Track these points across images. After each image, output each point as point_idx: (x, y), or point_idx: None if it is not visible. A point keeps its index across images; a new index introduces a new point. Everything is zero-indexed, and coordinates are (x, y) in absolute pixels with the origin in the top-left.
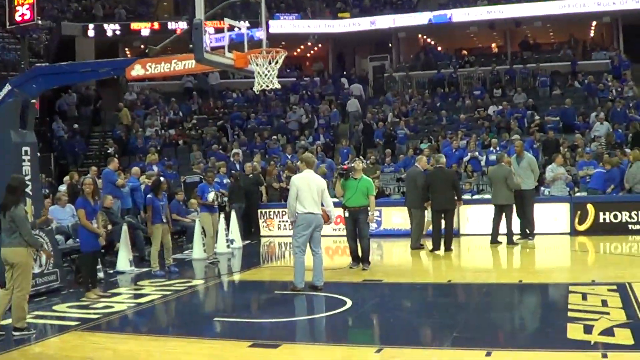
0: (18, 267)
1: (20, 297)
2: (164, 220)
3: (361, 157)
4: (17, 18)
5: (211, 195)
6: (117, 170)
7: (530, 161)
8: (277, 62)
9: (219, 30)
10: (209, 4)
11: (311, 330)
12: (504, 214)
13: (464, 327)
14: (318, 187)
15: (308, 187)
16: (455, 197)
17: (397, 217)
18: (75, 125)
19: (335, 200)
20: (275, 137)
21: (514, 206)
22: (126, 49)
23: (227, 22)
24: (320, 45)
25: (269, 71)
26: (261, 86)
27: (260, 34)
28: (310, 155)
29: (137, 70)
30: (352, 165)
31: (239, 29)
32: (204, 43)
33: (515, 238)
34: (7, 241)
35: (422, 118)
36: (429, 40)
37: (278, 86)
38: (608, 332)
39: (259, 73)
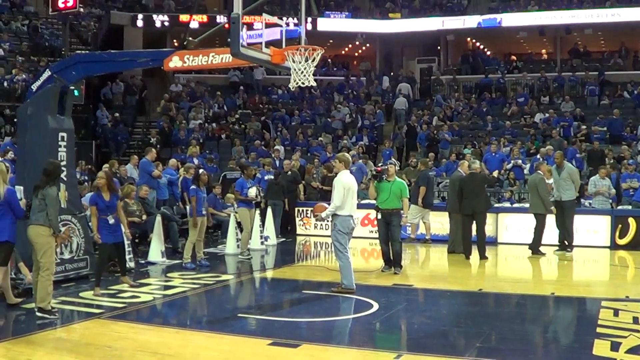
0: (40, 248)
1: (44, 277)
2: (204, 213)
3: (394, 159)
4: (60, 4)
5: (253, 191)
6: (154, 160)
7: (570, 171)
8: (314, 60)
9: (268, 26)
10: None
11: (333, 331)
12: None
13: (489, 338)
14: (356, 189)
15: (352, 190)
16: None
17: (435, 222)
18: (117, 114)
19: (368, 201)
20: (320, 136)
21: (554, 217)
22: (174, 40)
23: (266, 17)
24: (368, 44)
25: (305, 68)
26: (297, 83)
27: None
28: (347, 155)
29: (175, 62)
30: (386, 167)
31: (286, 24)
32: (240, 37)
33: (553, 250)
34: (34, 218)
35: (467, 123)
36: (477, 44)
37: (313, 84)
38: (635, 350)
39: (295, 70)
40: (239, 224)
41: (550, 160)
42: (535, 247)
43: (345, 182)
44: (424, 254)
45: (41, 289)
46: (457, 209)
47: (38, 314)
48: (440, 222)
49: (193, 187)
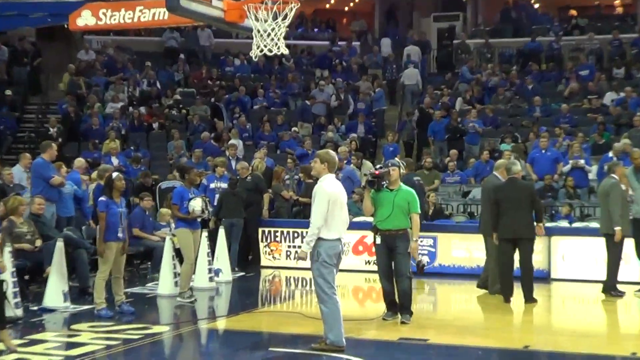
0: None
1: None
2: (121, 236)
3: (398, 159)
4: None
5: (198, 204)
6: (54, 161)
7: None
8: (285, 17)
9: None
10: None
11: None
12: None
13: None
14: (345, 199)
15: (341, 202)
16: (535, 221)
17: (459, 249)
18: (8, 92)
19: (362, 219)
20: (295, 126)
21: (633, 241)
22: None
23: None
24: None
25: (272, 29)
26: (261, 50)
27: None
28: (332, 153)
29: (85, 19)
30: (387, 170)
31: None
32: None
33: (634, 290)
34: None
35: (506, 107)
36: None
37: (285, 51)
38: None
39: (259, 32)
40: (177, 252)
41: (626, 160)
42: (609, 284)
43: (330, 192)
44: (443, 294)
45: None
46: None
47: None
48: (466, 249)
49: (103, 198)
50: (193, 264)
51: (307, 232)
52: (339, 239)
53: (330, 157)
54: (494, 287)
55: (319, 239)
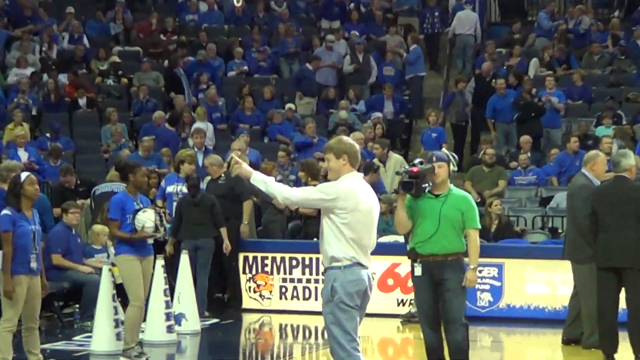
0: None
1: None
2: (35, 267)
3: (447, 151)
4: None
5: (147, 218)
6: None
7: None
8: None
9: None
10: None
11: None
12: None
13: None
14: (377, 214)
15: (369, 212)
16: None
17: (537, 282)
18: None
19: (393, 239)
20: (290, 102)
21: None
22: None
23: None
24: None
25: None
26: None
27: None
28: (350, 141)
29: None
30: (430, 166)
31: None
32: None
33: None
34: None
35: (603, 72)
36: None
37: None
38: None
39: None
40: (119, 289)
41: None
42: None
43: (350, 198)
44: (513, 349)
45: None
46: (584, 256)
47: None
48: (546, 282)
49: (7, 212)
50: (143, 307)
51: (310, 258)
52: (364, 267)
53: (347, 146)
54: (590, 339)
55: (335, 268)
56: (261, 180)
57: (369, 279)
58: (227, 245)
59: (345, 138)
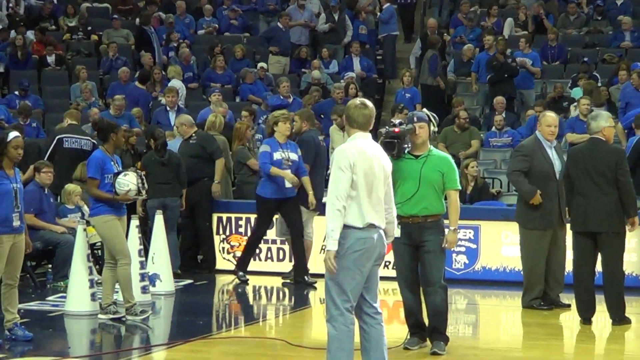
0: None
1: None
2: (17, 226)
3: (427, 111)
4: None
5: (130, 180)
6: None
7: None
8: None
9: None
10: None
11: None
12: None
13: None
14: (386, 174)
15: (372, 172)
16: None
17: (512, 244)
18: None
19: None
20: (262, 60)
21: None
22: None
23: None
24: None
25: None
26: None
27: None
28: (365, 103)
29: None
30: (410, 126)
31: None
32: None
33: None
34: None
35: (579, 32)
36: None
37: None
38: None
39: None
40: (94, 249)
41: None
42: None
43: (356, 155)
44: (491, 311)
45: None
46: (552, 219)
47: None
48: (519, 243)
49: None
50: (131, 263)
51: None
52: (373, 227)
53: (361, 113)
54: (528, 296)
55: (345, 226)
56: (331, 240)
57: (380, 239)
58: (182, 205)
59: (358, 102)
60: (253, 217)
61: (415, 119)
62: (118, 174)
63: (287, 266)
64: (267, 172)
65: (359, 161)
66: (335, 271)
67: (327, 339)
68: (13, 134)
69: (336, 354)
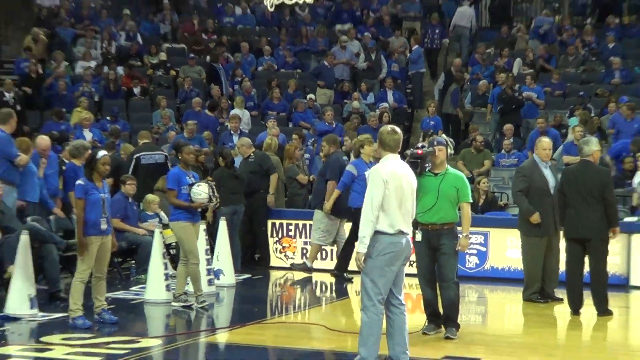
0: None
1: None
2: (104, 229)
3: (445, 137)
4: None
5: (204, 190)
6: (13, 134)
7: None
8: None
9: None
10: None
11: None
12: None
13: None
14: (413, 189)
15: (401, 188)
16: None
17: (516, 249)
18: None
19: None
20: (311, 93)
21: None
22: None
23: None
24: None
25: None
26: None
27: None
28: (395, 130)
29: None
30: (431, 149)
31: None
32: None
33: None
34: None
35: (576, 70)
36: None
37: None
38: None
39: None
40: (169, 248)
41: None
42: None
43: (386, 173)
44: (496, 303)
45: None
46: (526, 229)
47: None
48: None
49: (80, 182)
50: (199, 263)
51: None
52: (402, 233)
53: (392, 138)
54: (528, 291)
55: (376, 232)
56: (361, 244)
57: (408, 243)
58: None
59: (389, 128)
60: (302, 223)
61: (435, 142)
62: (192, 184)
63: (329, 264)
64: (341, 190)
65: (390, 179)
66: (363, 269)
67: (360, 325)
68: (101, 153)
69: (367, 338)
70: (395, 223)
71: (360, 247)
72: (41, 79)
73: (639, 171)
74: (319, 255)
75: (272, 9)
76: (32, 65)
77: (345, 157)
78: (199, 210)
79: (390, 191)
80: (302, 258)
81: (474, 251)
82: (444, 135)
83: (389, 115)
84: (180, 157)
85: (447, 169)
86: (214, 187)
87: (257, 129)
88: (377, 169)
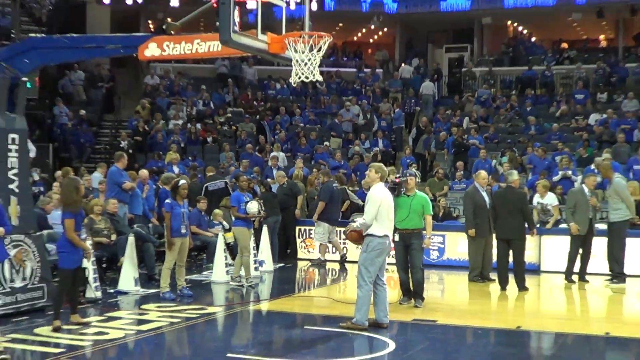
0: None
1: None
2: (184, 232)
3: (415, 170)
4: None
5: (253, 206)
6: (125, 169)
7: (617, 187)
8: (320, 49)
9: (265, 5)
10: None
11: None
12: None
13: None
14: (391, 206)
15: (388, 205)
16: (526, 225)
17: (463, 245)
18: (83, 112)
19: None
20: (326, 140)
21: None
22: (149, 21)
23: None
24: (385, 29)
25: (309, 59)
26: (299, 77)
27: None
28: (384, 166)
29: (151, 50)
30: (405, 178)
31: (286, 3)
32: (232, 22)
33: (604, 279)
34: None
35: (505, 125)
36: (520, 28)
37: (319, 78)
38: None
39: (297, 61)
40: (228, 246)
41: (617, 170)
42: (567, 273)
43: (380, 196)
44: (450, 283)
45: None
46: (485, 231)
47: None
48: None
49: (168, 201)
50: (251, 256)
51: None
52: (386, 236)
53: (382, 169)
54: (470, 275)
55: (370, 235)
56: (358, 224)
57: (390, 243)
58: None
59: (382, 165)
60: None
61: (407, 174)
62: (247, 202)
63: (336, 256)
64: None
65: (383, 199)
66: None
67: (357, 298)
68: (182, 181)
69: (361, 307)
70: (383, 229)
71: (355, 225)
72: (146, 132)
73: (536, 194)
74: (330, 251)
75: (295, 85)
76: (140, 123)
77: (335, 184)
78: (252, 219)
79: (382, 207)
80: (318, 253)
81: (436, 247)
82: (413, 169)
83: (379, 156)
84: (238, 184)
85: (415, 192)
86: (261, 204)
87: (289, 165)
88: (374, 193)
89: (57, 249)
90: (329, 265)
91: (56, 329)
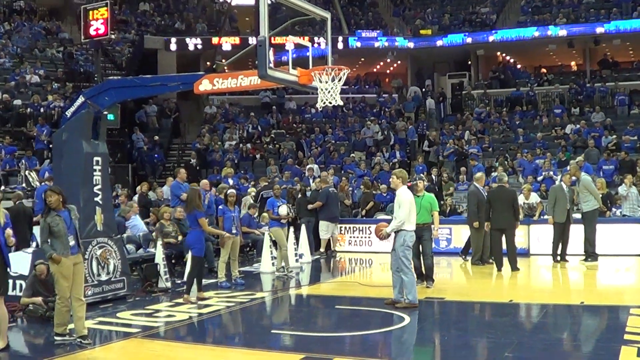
0: (53, 276)
1: (58, 303)
2: (234, 232)
3: (422, 175)
4: (92, 32)
5: (284, 209)
6: (184, 182)
7: (585, 183)
8: (340, 80)
9: (296, 46)
10: (283, 20)
11: (364, 345)
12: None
13: (517, 347)
14: (414, 206)
15: (414, 205)
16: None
17: (467, 235)
18: (156, 137)
19: None
20: (352, 154)
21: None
22: (207, 62)
23: (292, 39)
24: (399, 62)
25: (331, 88)
26: (324, 102)
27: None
28: (404, 171)
29: (204, 85)
30: (415, 182)
31: (317, 44)
32: (267, 60)
33: (580, 259)
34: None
35: (498, 137)
36: (507, 57)
37: (340, 103)
38: None
39: (322, 89)
40: (274, 242)
41: (589, 170)
42: (553, 254)
43: (409, 198)
44: (456, 267)
45: (56, 314)
46: (469, 223)
47: (56, 338)
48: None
49: (221, 207)
50: (286, 250)
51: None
52: (414, 230)
53: (403, 174)
54: (473, 259)
55: (404, 230)
56: (391, 229)
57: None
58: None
59: (402, 170)
60: (346, 226)
61: (417, 179)
62: (279, 206)
63: (365, 248)
64: None
65: (411, 201)
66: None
67: (405, 283)
68: (230, 191)
69: (411, 289)
70: (412, 225)
71: (388, 231)
72: (206, 151)
73: (521, 195)
74: (358, 244)
75: (320, 109)
76: (201, 144)
77: (332, 189)
78: (286, 221)
79: (412, 206)
80: (348, 244)
81: (445, 238)
82: (422, 175)
83: (398, 164)
84: (273, 192)
85: (424, 193)
86: (290, 207)
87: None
88: (404, 196)
89: (190, 244)
90: (351, 255)
91: (195, 300)
